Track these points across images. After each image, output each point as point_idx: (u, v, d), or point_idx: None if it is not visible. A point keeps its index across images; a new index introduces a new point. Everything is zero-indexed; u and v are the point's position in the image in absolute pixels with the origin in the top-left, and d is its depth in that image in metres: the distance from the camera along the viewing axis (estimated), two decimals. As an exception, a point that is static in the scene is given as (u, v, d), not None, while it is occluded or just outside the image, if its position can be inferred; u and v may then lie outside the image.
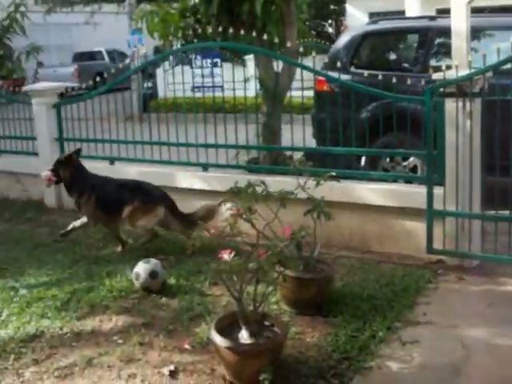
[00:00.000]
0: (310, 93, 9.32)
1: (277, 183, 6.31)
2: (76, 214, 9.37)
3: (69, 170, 8.04)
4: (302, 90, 7.73)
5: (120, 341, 5.38)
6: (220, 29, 8.48)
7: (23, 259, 7.68)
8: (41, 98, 10.07)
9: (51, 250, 8.02)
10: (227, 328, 4.71)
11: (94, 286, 6.59)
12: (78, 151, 8.34)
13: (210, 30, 8.70)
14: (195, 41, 9.13)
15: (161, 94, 21.59)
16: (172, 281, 6.58)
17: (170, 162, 8.84)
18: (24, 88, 10.52)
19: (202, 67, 9.43)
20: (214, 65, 13.19)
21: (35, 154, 10.47)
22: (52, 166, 8.19)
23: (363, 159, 8.79)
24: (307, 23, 17.82)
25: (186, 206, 8.27)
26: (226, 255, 4.56)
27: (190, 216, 7.60)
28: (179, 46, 9.72)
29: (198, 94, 8.91)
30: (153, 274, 6.30)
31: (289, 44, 8.38)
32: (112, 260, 7.44)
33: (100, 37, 36.25)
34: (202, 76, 8.89)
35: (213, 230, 4.66)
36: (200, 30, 8.96)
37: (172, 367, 4.86)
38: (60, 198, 10.10)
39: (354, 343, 5.08)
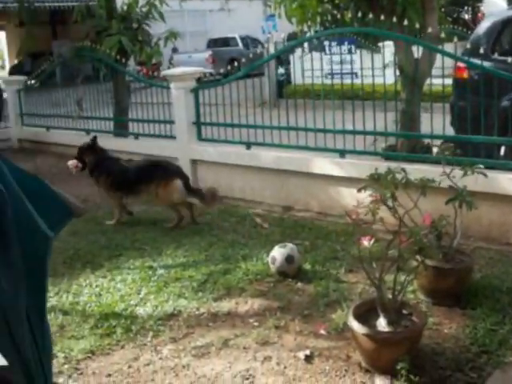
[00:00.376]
0: (450, 81, 9.13)
1: (416, 171, 6.19)
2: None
3: (92, 156, 8.76)
4: (442, 77, 7.58)
5: (256, 323, 5.44)
6: (359, 14, 8.39)
7: (160, 240, 7.86)
8: (179, 82, 10.26)
9: (188, 231, 8.19)
10: (365, 315, 4.68)
11: (230, 268, 6.67)
12: (95, 138, 8.99)
13: (348, 15, 8.63)
14: (333, 27, 9.07)
15: (295, 80, 21.59)
16: (307, 266, 6.58)
17: (306, 148, 8.84)
18: (162, 72, 10.74)
19: (340, 54, 9.37)
20: (349, 51, 13.10)
21: (172, 137, 10.70)
22: (76, 154, 8.91)
23: (502, 149, 8.52)
24: (443, 9, 17.43)
25: (323, 192, 8.28)
26: (367, 241, 4.52)
27: (201, 191, 8.40)
28: (313, 32, 9.69)
29: (334, 81, 8.86)
30: (289, 259, 6.31)
31: (430, 30, 8.20)
32: (248, 243, 7.50)
33: (234, 23, 36.66)
34: (341, 63, 8.83)
35: (354, 215, 4.60)
36: (338, 16, 8.89)
37: (308, 352, 4.87)
38: (197, 181, 10.27)
39: (493, 337, 4.94)
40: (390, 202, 4.71)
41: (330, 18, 9.22)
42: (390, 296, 4.65)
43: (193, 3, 30.03)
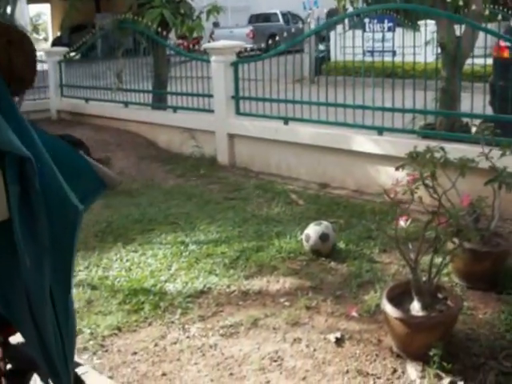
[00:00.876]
0: (491, 60, 8.93)
1: (454, 150, 5.98)
2: (247, 171, 9.52)
3: None
4: (484, 55, 7.40)
5: (287, 303, 5.33)
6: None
7: (194, 215, 7.77)
8: (219, 56, 10.16)
9: (222, 207, 8.09)
10: (398, 297, 4.54)
11: (263, 245, 6.55)
12: None
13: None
14: (374, 3, 8.88)
15: (334, 57, 21.39)
16: (342, 245, 6.44)
17: (344, 124, 8.70)
18: (203, 46, 10.63)
19: (381, 31, 9.15)
20: (389, 29, 12.89)
21: (211, 111, 10.59)
22: None
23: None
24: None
25: (359, 170, 8.15)
26: (403, 221, 4.37)
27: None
28: (352, 9, 9.52)
29: (375, 59, 8.68)
30: (323, 237, 6.18)
31: (473, 7, 7.98)
32: (282, 220, 7.39)
33: (276, -1, 36.35)
34: (382, 40, 8.64)
35: (392, 194, 4.45)
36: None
37: (338, 334, 4.76)
38: (233, 155, 10.20)
39: (529, 324, 4.79)
40: (429, 182, 4.54)
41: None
42: (425, 279, 4.51)
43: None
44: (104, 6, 37.65)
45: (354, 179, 8.50)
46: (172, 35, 13.36)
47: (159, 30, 11.54)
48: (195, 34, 12.63)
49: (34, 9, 45.88)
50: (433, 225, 4.41)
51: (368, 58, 8.72)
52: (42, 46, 28.61)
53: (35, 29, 51.91)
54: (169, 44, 12.35)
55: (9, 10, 12.00)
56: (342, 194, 8.37)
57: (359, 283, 5.59)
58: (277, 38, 24.02)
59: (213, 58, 10.28)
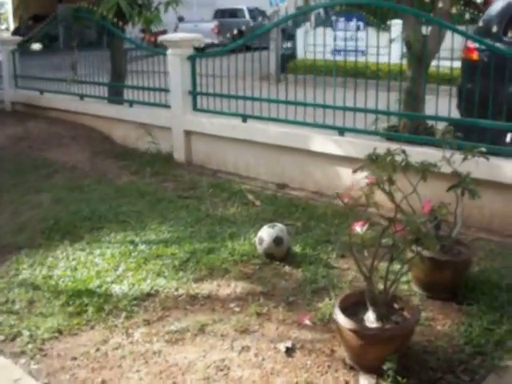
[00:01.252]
0: (459, 63, 8.76)
1: (417, 154, 5.79)
2: (204, 169, 9.28)
3: None
4: (451, 57, 7.22)
5: (237, 309, 5.08)
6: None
7: (146, 213, 7.48)
8: (176, 48, 9.82)
9: (175, 205, 7.80)
10: (352, 307, 4.31)
11: (215, 247, 6.28)
12: None
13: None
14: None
15: (300, 55, 21.22)
16: (297, 249, 6.18)
17: (304, 123, 8.42)
18: (160, 38, 10.31)
19: (346, 30, 8.96)
20: (357, 28, 12.76)
21: (167, 106, 10.29)
22: None
23: (509, 135, 8.13)
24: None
25: (319, 171, 7.94)
26: (359, 227, 4.13)
27: None
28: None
29: (338, 58, 8.45)
30: (277, 240, 5.91)
31: (440, 5, 7.79)
32: (237, 221, 7.12)
33: (242, -6, 36.14)
34: (346, 39, 8.43)
35: (346, 198, 4.21)
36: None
37: (289, 343, 4.52)
38: (190, 153, 9.93)
39: (489, 337, 4.57)
40: (386, 186, 4.31)
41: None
42: (382, 287, 4.28)
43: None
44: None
45: (314, 180, 8.26)
46: (136, 29, 13.05)
47: (115, 20, 11.21)
48: (153, 27, 12.26)
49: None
50: (390, 231, 4.18)
51: (333, 57, 8.45)
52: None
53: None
54: (123, 34, 11.93)
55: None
56: (301, 196, 8.12)
57: (314, 289, 5.33)
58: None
59: (169, 52, 9.94)
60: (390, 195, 4.33)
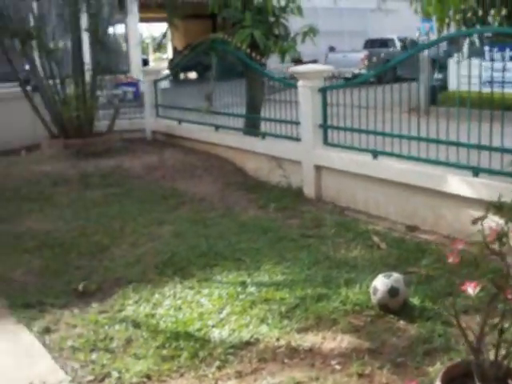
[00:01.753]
0: None
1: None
2: (333, 206, 8.87)
3: None
4: None
5: (337, 366, 4.62)
6: (504, 12, 7.37)
7: (264, 252, 7.16)
8: (306, 80, 9.51)
9: (296, 245, 7.44)
10: (459, 379, 3.76)
11: (328, 294, 5.85)
12: None
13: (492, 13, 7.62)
14: (477, 26, 8.07)
15: (452, 86, 20.40)
16: (416, 301, 5.64)
17: (436, 161, 7.84)
18: (289, 69, 10.03)
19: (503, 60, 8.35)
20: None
21: (297, 139, 9.98)
22: None
23: None
24: None
25: (451, 213, 7.35)
26: (471, 288, 3.61)
27: None
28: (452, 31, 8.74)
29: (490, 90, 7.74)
30: (392, 292, 5.42)
31: None
32: (357, 265, 6.66)
33: (394, 24, 35.59)
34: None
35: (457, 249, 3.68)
36: (481, 13, 7.88)
37: (388, 413, 4.05)
38: (320, 188, 9.56)
39: None
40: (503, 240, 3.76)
41: (472, 15, 8.20)
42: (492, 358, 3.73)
43: (351, 2, 29.26)
44: (221, 25, 37.78)
45: (446, 223, 7.65)
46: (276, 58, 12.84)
47: (249, 51, 11.03)
48: (287, 57, 12.00)
49: (161, 28, 46.60)
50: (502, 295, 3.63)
51: (487, 89, 7.75)
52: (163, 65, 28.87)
53: (159, 48, 52.79)
54: (255, 65, 11.64)
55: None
56: (431, 240, 7.54)
57: (426, 350, 4.79)
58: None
59: (299, 83, 9.65)
60: (501, 254, 3.76)
